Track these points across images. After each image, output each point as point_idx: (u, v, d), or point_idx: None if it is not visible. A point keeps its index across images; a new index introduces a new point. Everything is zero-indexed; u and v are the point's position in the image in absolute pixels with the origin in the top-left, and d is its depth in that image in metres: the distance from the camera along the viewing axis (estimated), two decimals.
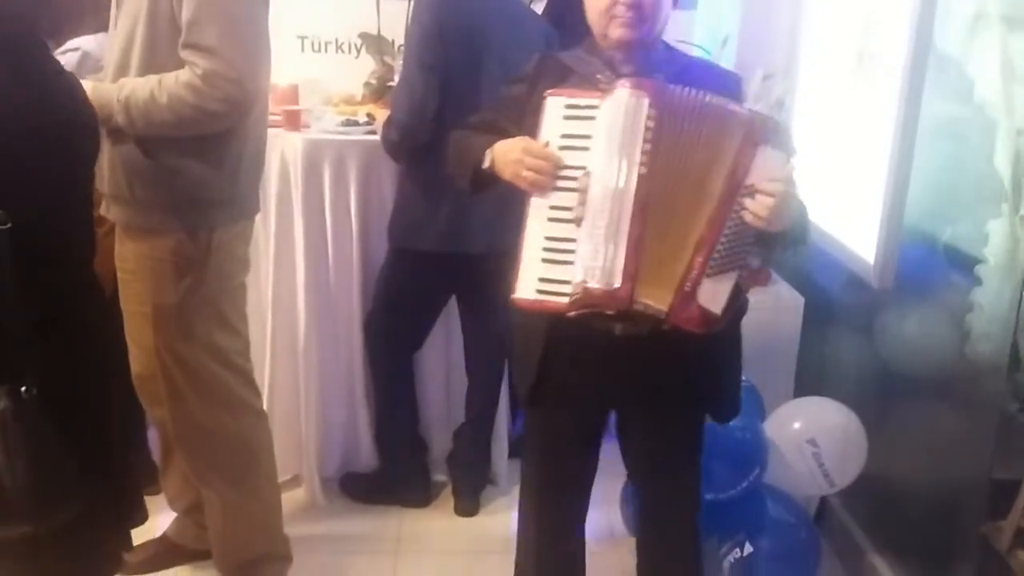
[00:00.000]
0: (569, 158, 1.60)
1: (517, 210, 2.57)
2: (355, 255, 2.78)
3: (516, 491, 2.98)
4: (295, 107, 2.83)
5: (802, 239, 1.69)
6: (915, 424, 2.48)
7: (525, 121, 1.69)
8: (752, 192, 1.56)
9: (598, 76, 1.70)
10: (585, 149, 1.59)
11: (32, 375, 1.40)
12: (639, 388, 1.82)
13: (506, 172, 1.66)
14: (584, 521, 2.02)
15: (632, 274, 1.57)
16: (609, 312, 1.62)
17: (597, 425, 1.96)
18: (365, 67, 3.21)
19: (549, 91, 1.64)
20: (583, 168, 1.59)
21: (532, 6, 2.92)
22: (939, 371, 2.37)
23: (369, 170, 2.73)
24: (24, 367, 1.40)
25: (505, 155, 1.66)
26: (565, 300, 1.60)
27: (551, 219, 1.61)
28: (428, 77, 2.43)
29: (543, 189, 1.61)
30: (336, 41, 3.34)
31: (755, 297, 2.87)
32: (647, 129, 1.56)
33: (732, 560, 2.36)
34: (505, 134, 1.72)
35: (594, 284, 1.57)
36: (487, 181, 1.74)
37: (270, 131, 2.29)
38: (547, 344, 1.79)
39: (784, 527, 2.42)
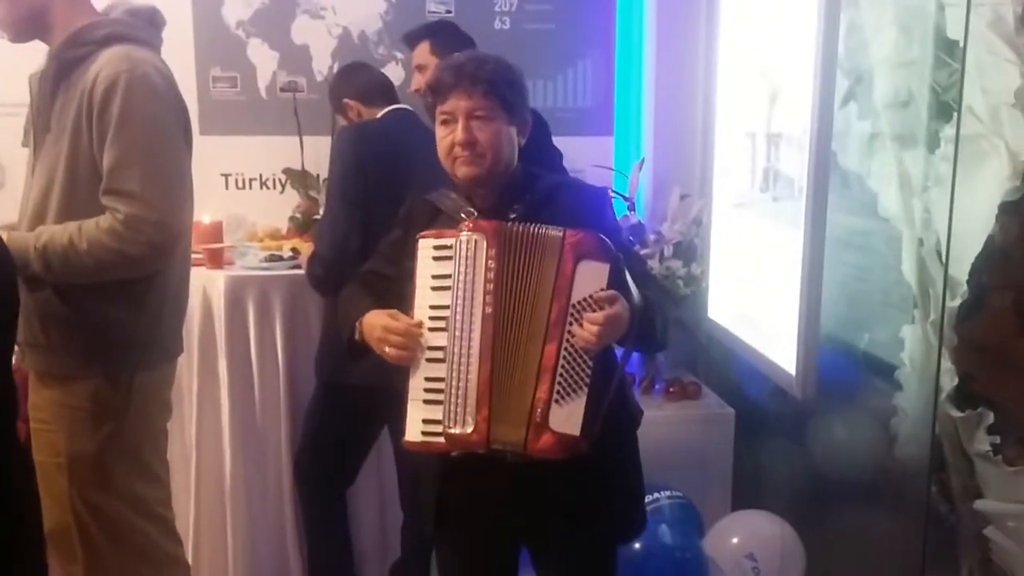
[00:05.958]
0: (441, 298, 1.64)
1: None
2: (282, 392, 2.73)
3: None
4: (218, 245, 2.83)
5: (653, 334, 1.69)
6: (850, 530, 2.49)
7: (405, 265, 1.72)
8: (579, 317, 1.58)
9: (461, 215, 1.73)
10: (450, 288, 1.63)
11: None
12: (540, 514, 1.78)
13: (374, 346, 1.69)
14: None
15: (485, 416, 1.61)
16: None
17: (507, 557, 1.90)
18: (290, 202, 3.25)
19: (420, 234, 1.68)
20: (450, 307, 1.63)
21: None
22: (869, 476, 2.40)
23: (295, 304, 2.72)
24: None
25: (371, 331, 1.69)
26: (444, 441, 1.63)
27: (428, 359, 1.64)
28: (351, 212, 2.46)
29: (408, 363, 1.64)
30: (260, 177, 3.36)
31: (686, 411, 2.96)
32: (488, 269, 1.62)
33: None
34: (391, 283, 1.77)
35: (453, 428, 1.61)
36: (363, 350, 1.75)
37: (192, 270, 2.28)
38: (442, 480, 1.79)
39: None
